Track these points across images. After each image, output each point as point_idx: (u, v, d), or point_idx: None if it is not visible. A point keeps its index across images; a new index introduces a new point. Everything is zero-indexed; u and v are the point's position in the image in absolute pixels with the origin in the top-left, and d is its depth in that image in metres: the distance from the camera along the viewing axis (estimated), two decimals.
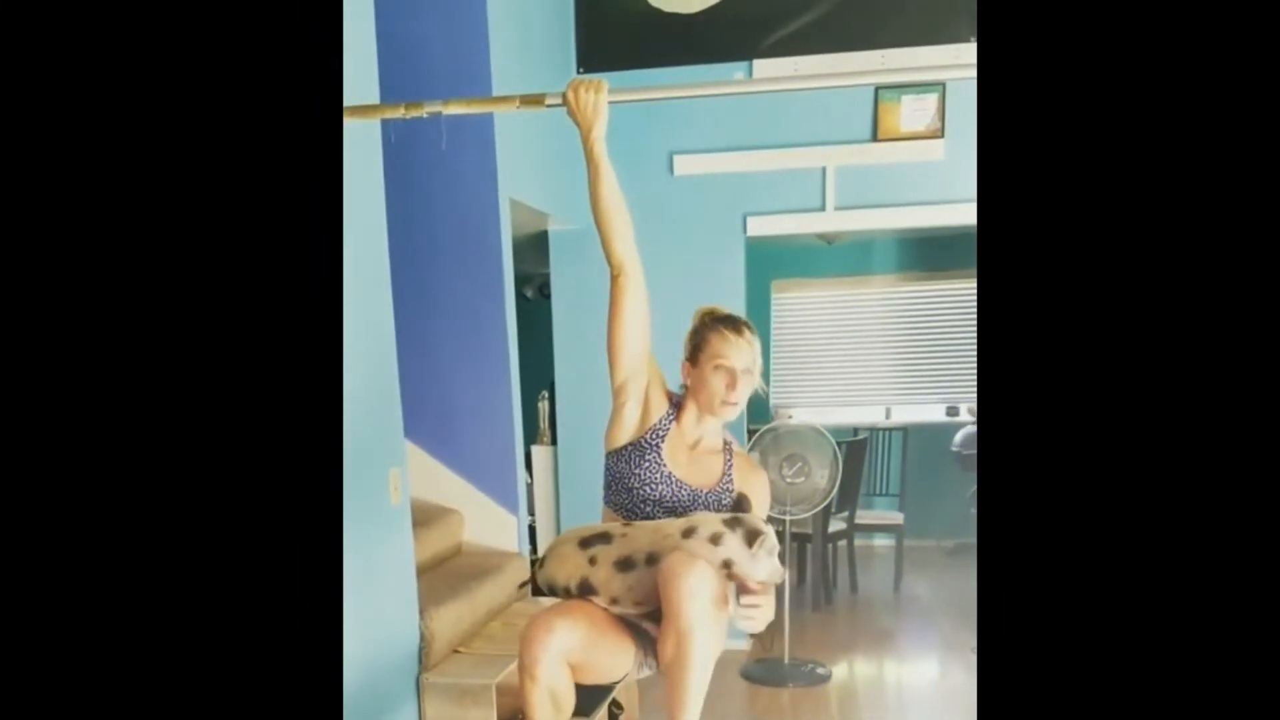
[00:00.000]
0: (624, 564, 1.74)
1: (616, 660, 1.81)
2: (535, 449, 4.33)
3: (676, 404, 1.91)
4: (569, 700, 1.77)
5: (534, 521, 4.22)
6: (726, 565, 1.69)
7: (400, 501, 2.55)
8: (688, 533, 1.72)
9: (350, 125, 2.08)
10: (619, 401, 1.88)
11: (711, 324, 1.88)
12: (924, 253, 5.68)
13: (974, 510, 4.39)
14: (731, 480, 1.89)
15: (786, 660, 3.87)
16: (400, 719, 2.52)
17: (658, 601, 1.68)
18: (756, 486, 1.91)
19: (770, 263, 5.57)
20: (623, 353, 1.83)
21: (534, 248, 4.18)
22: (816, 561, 4.85)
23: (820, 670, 3.89)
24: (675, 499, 1.85)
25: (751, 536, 1.72)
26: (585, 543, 1.80)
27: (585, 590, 1.77)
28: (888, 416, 5.97)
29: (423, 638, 2.63)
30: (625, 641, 1.81)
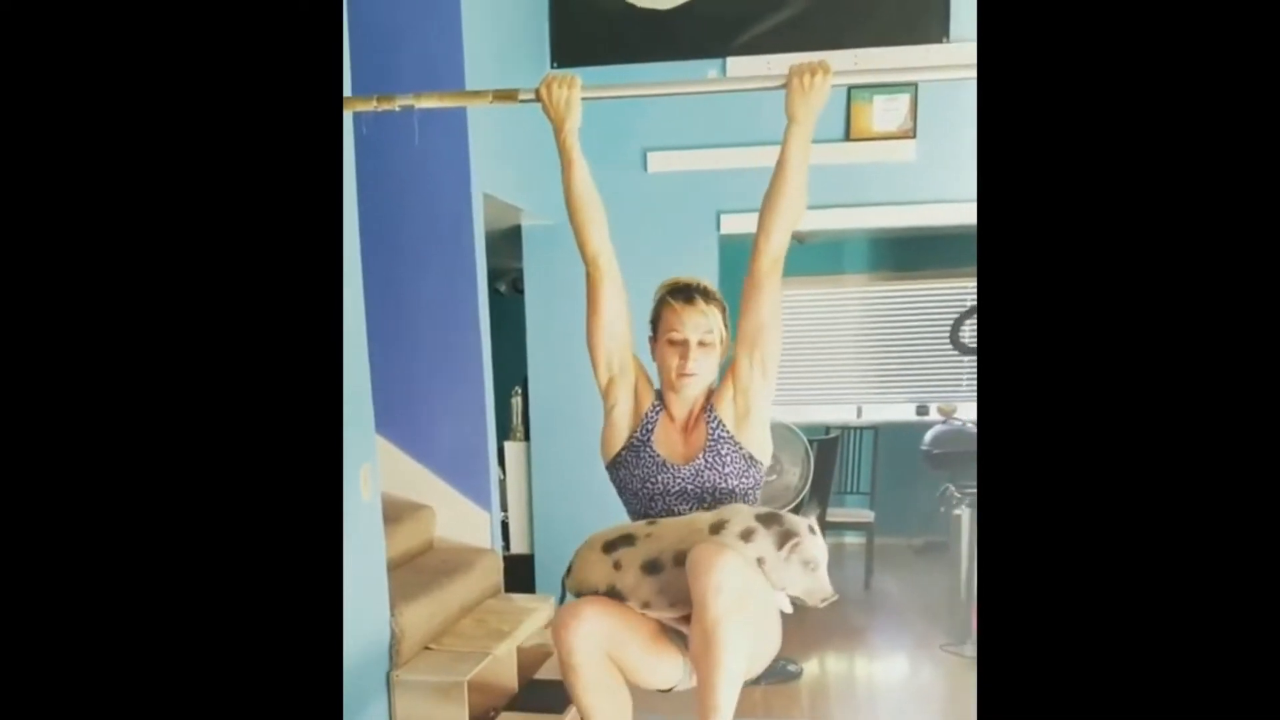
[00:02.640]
0: (650, 567, 1.64)
1: (661, 664, 1.70)
2: (508, 444, 4.32)
3: (659, 394, 1.85)
4: (623, 689, 1.67)
5: (506, 517, 4.21)
6: (760, 563, 1.60)
7: (370, 497, 2.53)
8: (716, 528, 1.62)
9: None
10: (608, 405, 1.83)
11: (664, 297, 1.82)
12: (895, 253, 5.71)
13: (943, 509, 4.43)
14: (720, 424, 1.79)
15: None
16: (371, 717, 2.50)
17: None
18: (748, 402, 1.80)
19: (744, 261, 5.55)
20: (603, 349, 1.79)
21: (507, 242, 4.16)
22: None
23: (791, 667, 3.91)
24: (679, 482, 1.78)
25: (784, 539, 1.61)
26: (609, 546, 1.71)
27: (614, 597, 1.68)
28: (859, 415, 6.00)
29: (393, 635, 2.62)
30: (669, 646, 1.70)
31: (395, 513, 3.10)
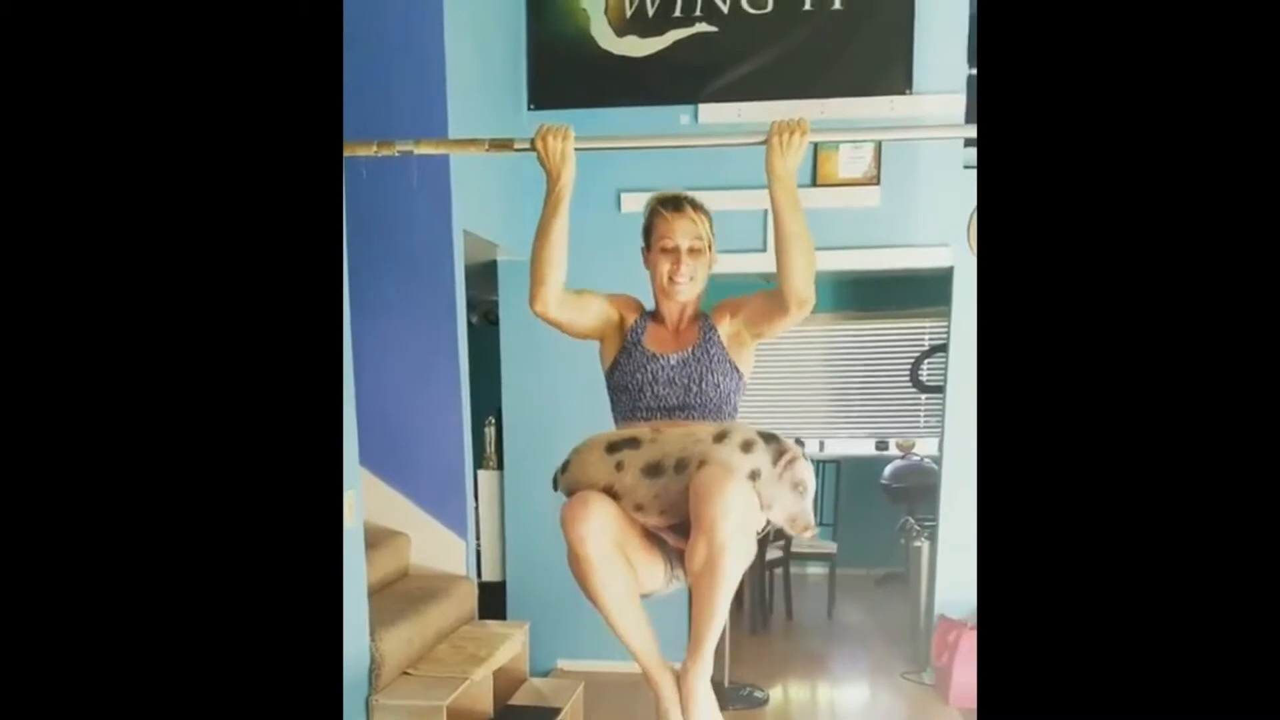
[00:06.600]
0: (652, 470, 1.69)
1: (647, 569, 1.76)
2: (481, 473, 4.38)
3: (645, 311, 1.99)
4: (632, 576, 1.70)
5: (479, 545, 4.27)
6: (754, 476, 1.67)
7: (354, 523, 2.60)
8: (719, 437, 1.68)
9: None
10: (604, 337, 1.97)
11: (655, 207, 1.94)
12: (858, 294, 5.89)
13: (903, 541, 4.57)
14: (711, 326, 1.92)
15: (726, 683, 3.97)
16: None
17: (683, 513, 1.64)
18: (738, 304, 1.93)
19: (713, 300, 5.69)
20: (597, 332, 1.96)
21: (481, 275, 4.26)
22: (754, 588, 4.98)
23: (758, 694, 4.00)
24: (667, 371, 1.88)
25: (779, 455, 1.69)
26: (612, 447, 1.75)
27: (610, 496, 1.72)
28: (821, 449, 6.15)
29: (373, 659, 2.67)
30: (655, 551, 1.77)
31: (373, 539, 3.16)
